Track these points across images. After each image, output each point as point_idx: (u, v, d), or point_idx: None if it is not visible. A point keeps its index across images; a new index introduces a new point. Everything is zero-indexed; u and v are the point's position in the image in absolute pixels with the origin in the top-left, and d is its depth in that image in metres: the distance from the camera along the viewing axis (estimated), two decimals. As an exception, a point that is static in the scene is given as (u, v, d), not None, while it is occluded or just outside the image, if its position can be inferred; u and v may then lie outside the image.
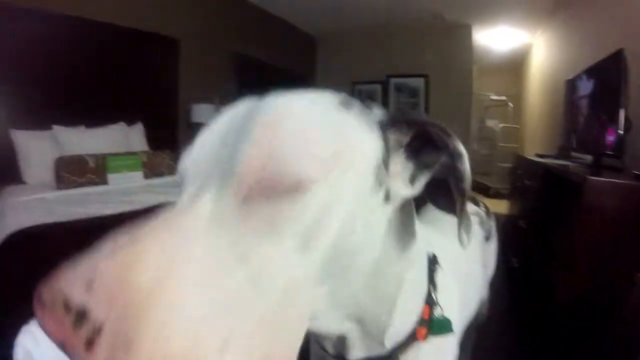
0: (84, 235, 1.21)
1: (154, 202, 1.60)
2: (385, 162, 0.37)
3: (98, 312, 0.25)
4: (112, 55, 3.11)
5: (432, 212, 0.95)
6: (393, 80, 5.80)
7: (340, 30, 5.88)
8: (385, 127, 0.39)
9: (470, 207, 0.93)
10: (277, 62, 5.26)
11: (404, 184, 0.40)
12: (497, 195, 6.11)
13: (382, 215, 0.38)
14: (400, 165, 0.40)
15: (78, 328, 0.25)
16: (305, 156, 0.31)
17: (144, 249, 0.28)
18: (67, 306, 0.26)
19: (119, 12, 3.18)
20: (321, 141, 0.33)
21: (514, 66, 6.53)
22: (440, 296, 0.52)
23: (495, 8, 4.40)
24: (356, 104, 0.39)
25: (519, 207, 3.00)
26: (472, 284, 0.79)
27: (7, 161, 2.38)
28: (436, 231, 0.69)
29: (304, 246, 0.31)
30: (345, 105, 0.38)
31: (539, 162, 2.47)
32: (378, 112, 0.40)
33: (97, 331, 0.25)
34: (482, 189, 6.57)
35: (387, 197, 0.38)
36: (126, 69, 3.21)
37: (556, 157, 2.76)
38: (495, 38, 5.43)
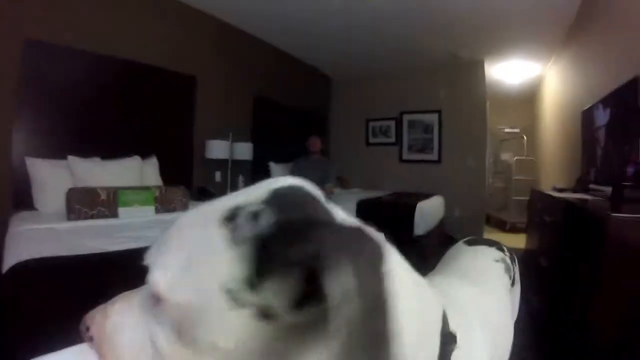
0: (88, 270, 1.20)
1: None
2: (250, 280, 0.31)
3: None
4: (130, 90, 3.20)
5: (462, 258, 0.93)
6: (407, 117, 5.84)
7: (355, 69, 6.00)
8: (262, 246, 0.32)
9: (496, 253, 0.91)
10: (292, 100, 5.34)
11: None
12: (513, 229, 5.96)
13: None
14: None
15: None
16: (158, 267, 0.36)
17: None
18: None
19: (139, 49, 3.29)
20: (175, 254, 0.35)
21: (527, 98, 6.53)
22: None
23: (507, 42, 4.44)
24: (241, 217, 0.34)
25: (538, 243, 2.90)
26: (503, 336, 0.73)
27: (21, 188, 2.47)
28: (465, 281, 0.66)
29: None
30: (224, 221, 0.34)
31: (559, 197, 2.38)
32: (263, 224, 0.33)
33: None
34: (499, 224, 6.43)
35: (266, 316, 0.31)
36: (143, 104, 3.28)
37: (575, 190, 2.68)
38: (507, 71, 5.45)
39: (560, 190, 2.78)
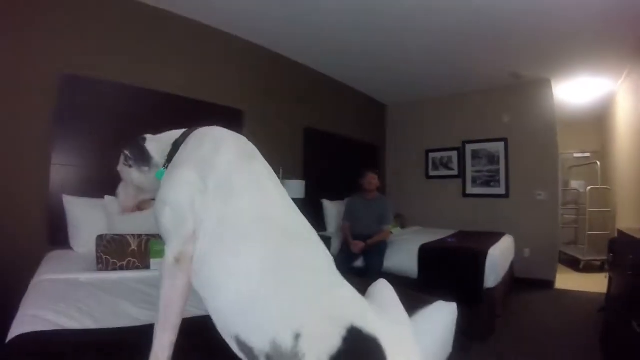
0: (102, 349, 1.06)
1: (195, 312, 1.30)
2: None
3: None
4: (172, 125, 3.05)
5: None
6: (470, 146, 5.39)
7: (411, 97, 5.70)
8: None
9: None
10: (345, 131, 5.09)
11: None
12: (588, 268, 5.27)
13: None
14: None
15: None
16: None
17: None
18: None
19: (181, 83, 3.21)
20: None
21: (597, 119, 5.96)
22: None
23: (574, 58, 4.00)
24: None
25: (628, 303, 2.33)
26: None
27: (58, 225, 2.45)
28: None
29: None
30: None
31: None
32: None
33: None
34: (570, 262, 5.71)
35: None
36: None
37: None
38: (574, 90, 4.94)
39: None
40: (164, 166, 1.10)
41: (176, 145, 1.11)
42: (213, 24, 3.46)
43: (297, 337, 0.69)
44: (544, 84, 4.72)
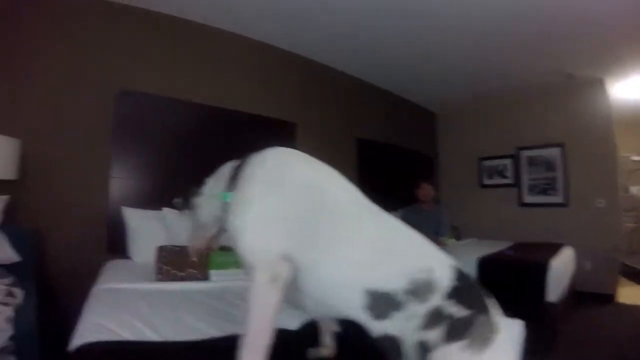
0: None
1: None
2: None
3: None
4: (226, 139, 3.12)
5: None
6: (525, 153, 5.09)
7: (461, 103, 5.53)
8: None
9: None
10: (397, 141, 5.02)
11: None
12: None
13: None
14: None
15: None
16: None
17: None
18: None
19: (235, 97, 3.27)
20: None
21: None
22: None
23: (629, 55, 3.72)
24: None
25: None
26: None
27: (117, 234, 2.54)
28: None
29: None
30: None
31: None
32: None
33: None
34: (631, 274, 5.09)
35: None
36: (240, 154, 3.11)
37: None
38: (629, 89, 4.59)
39: None
40: (228, 190, 1.10)
41: (237, 170, 1.11)
42: (265, 40, 3.51)
43: (429, 270, 0.90)
44: (597, 84, 4.44)
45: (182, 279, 1.93)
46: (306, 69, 3.91)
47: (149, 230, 2.46)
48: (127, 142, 2.69)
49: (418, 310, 0.85)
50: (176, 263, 1.93)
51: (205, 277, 1.99)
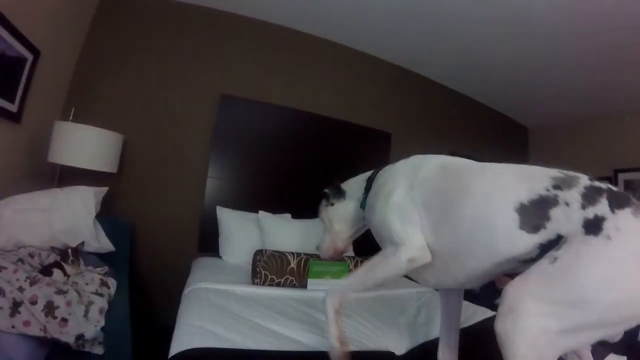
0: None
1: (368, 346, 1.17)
2: None
3: None
4: (322, 146, 3.06)
5: None
6: (622, 176, 4.44)
7: (553, 116, 4.99)
8: None
9: None
10: (488, 155, 4.55)
11: None
12: None
13: None
14: None
15: None
16: None
17: None
18: None
19: (332, 105, 3.20)
20: None
21: None
22: None
23: None
24: None
25: None
26: None
27: (208, 233, 2.55)
28: None
29: None
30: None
31: None
32: None
33: None
34: None
35: None
36: (336, 161, 3.03)
37: None
38: None
39: None
40: (364, 197, 1.27)
41: (370, 180, 1.28)
42: (362, 49, 3.43)
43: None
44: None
45: (279, 285, 1.85)
46: (402, 79, 3.75)
47: (242, 231, 2.42)
48: (225, 145, 2.71)
49: (573, 195, 0.83)
50: (275, 269, 1.85)
51: (302, 285, 1.87)
